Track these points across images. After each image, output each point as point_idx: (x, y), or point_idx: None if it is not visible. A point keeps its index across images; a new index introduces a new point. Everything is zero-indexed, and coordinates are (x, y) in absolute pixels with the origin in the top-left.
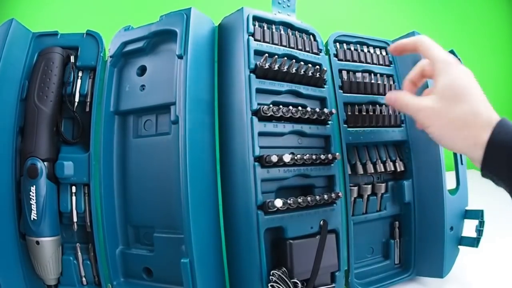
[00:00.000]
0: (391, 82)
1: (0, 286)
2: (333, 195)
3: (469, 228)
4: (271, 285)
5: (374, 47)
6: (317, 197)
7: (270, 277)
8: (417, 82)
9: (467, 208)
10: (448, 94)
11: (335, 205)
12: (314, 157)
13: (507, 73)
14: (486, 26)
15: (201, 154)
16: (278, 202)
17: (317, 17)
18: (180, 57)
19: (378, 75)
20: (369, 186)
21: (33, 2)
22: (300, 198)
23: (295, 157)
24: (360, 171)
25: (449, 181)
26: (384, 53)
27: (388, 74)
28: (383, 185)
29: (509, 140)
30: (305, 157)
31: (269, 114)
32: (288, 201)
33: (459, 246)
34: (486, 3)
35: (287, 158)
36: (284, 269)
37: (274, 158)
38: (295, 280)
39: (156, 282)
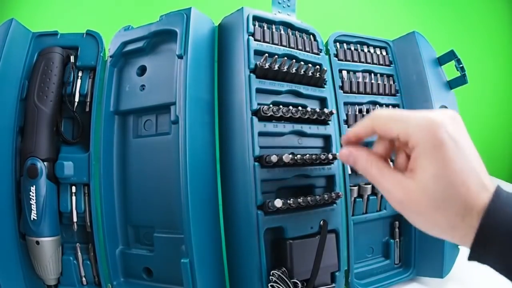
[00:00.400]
0: (391, 82)
1: (0, 286)
2: (333, 195)
3: None
4: (271, 285)
5: (374, 47)
6: (317, 197)
7: (270, 277)
8: (364, 137)
9: None
10: (435, 191)
11: (335, 205)
12: (314, 157)
13: (507, 72)
14: (487, 26)
15: (201, 154)
16: (278, 203)
17: (317, 16)
18: (180, 57)
19: (378, 75)
20: (369, 186)
21: (33, 2)
22: (300, 198)
23: (295, 157)
24: None
25: None
26: (384, 53)
27: (388, 74)
28: None
29: (501, 231)
30: (305, 157)
31: (269, 114)
32: (288, 201)
33: (459, 246)
34: (487, 3)
35: (287, 158)
36: (284, 269)
37: (274, 158)
38: (295, 280)
39: (156, 282)
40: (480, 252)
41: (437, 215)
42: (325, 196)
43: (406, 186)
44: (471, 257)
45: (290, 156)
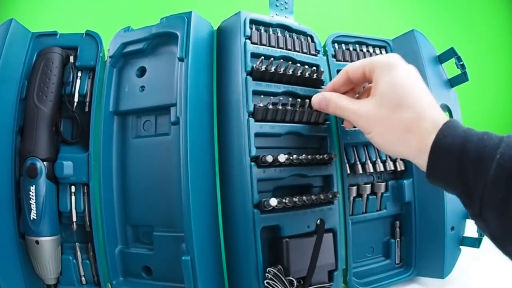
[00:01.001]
0: None
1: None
2: (329, 194)
3: (471, 228)
4: (266, 282)
5: (374, 46)
6: (313, 196)
7: (266, 274)
8: (341, 89)
9: None
10: (390, 98)
11: (332, 204)
12: (310, 157)
13: (507, 72)
14: (487, 23)
15: (200, 154)
16: (273, 201)
17: (316, 18)
18: (181, 59)
19: None
20: (368, 185)
21: (32, 2)
22: (296, 197)
23: (291, 157)
24: (359, 170)
25: None
26: (384, 52)
27: None
28: (383, 184)
29: (454, 144)
30: (301, 157)
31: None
32: (284, 200)
33: (461, 247)
34: (487, 2)
35: (282, 158)
36: (280, 266)
37: (269, 158)
38: (291, 278)
39: (155, 280)
40: (439, 160)
41: (395, 118)
42: (321, 196)
43: (369, 103)
44: (429, 167)
45: (286, 156)
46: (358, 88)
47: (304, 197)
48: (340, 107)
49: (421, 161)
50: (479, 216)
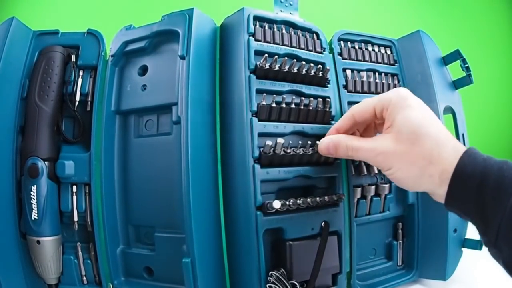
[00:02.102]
0: (396, 82)
1: (0, 285)
2: (334, 197)
3: (473, 230)
4: (268, 286)
5: (379, 45)
6: (318, 198)
7: (268, 277)
8: (344, 129)
9: None
10: (409, 132)
11: (337, 206)
12: (310, 151)
13: (509, 72)
14: (492, 26)
15: (202, 155)
16: (277, 204)
17: (321, 15)
18: (182, 57)
19: (383, 74)
20: (373, 187)
21: (33, 0)
22: (300, 199)
23: (295, 151)
24: (364, 171)
25: None
26: (389, 51)
27: (393, 73)
28: (387, 185)
29: (474, 172)
30: (303, 150)
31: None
32: (288, 203)
33: (463, 249)
34: (492, 2)
35: (279, 146)
36: (283, 270)
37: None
38: (294, 282)
39: (156, 281)
40: (458, 188)
41: (415, 151)
42: (326, 198)
43: (387, 139)
44: (449, 194)
45: (285, 143)
46: (361, 128)
47: (308, 199)
48: (353, 148)
49: (442, 192)
50: (494, 245)
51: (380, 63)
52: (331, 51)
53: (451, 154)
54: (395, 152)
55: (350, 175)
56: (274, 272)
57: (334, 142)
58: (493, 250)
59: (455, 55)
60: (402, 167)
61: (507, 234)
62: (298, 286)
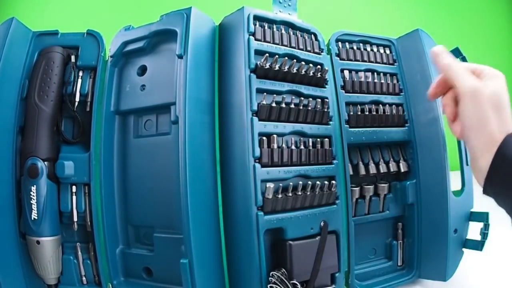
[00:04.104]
0: (395, 81)
1: (0, 285)
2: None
3: (474, 230)
4: (270, 286)
5: (378, 45)
6: (317, 189)
7: (270, 278)
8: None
9: (472, 210)
10: (494, 99)
11: (335, 206)
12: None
13: (508, 72)
14: (491, 24)
15: (201, 154)
16: (270, 188)
17: (319, 15)
18: (180, 56)
19: (382, 74)
20: (372, 186)
21: (33, 1)
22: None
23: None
24: (362, 171)
25: (454, 182)
26: (388, 51)
27: (392, 73)
28: (386, 185)
29: None
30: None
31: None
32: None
33: (463, 249)
34: (492, 3)
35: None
36: (284, 270)
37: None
38: (295, 282)
39: (156, 281)
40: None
41: (489, 92)
42: (324, 189)
43: (479, 83)
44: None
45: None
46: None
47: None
48: (458, 72)
49: (485, 162)
50: None
51: (379, 63)
52: (329, 52)
53: (505, 130)
54: (478, 93)
55: (348, 175)
56: (275, 272)
57: (449, 63)
58: None
59: (455, 53)
60: (473, 108)
61: None
62: (299, 285)
